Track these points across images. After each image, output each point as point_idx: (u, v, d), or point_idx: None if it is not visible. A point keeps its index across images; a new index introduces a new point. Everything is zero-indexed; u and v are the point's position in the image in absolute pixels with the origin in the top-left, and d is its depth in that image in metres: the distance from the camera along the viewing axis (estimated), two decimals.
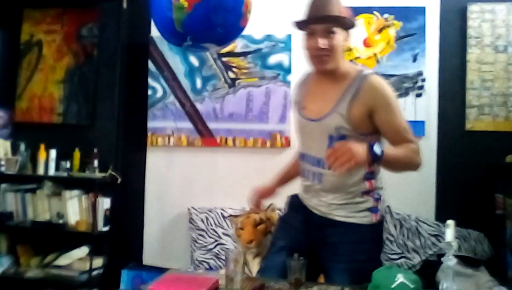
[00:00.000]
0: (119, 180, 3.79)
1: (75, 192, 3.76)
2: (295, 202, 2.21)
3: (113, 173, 3.76)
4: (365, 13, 3.62)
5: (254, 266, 2.64)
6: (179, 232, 3.79)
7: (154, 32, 3.85)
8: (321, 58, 1.96)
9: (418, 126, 3.52)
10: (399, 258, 3.31)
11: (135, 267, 3.72)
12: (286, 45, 3.69)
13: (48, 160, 3.77)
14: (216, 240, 3.56)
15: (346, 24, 1.99)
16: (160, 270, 3.01)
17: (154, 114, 3.86)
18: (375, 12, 3.62)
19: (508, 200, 3.15)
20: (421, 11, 3.57)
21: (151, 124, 3.86)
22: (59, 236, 3.77)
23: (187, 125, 3.82)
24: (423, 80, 3.55)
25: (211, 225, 3.60)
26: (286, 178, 2.41)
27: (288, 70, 3.69)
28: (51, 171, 3.77)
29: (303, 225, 2.10)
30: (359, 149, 1.74)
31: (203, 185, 3.80)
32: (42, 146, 3.78)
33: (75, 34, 4.03)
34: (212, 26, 1.74)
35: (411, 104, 3.54)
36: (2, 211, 3.80)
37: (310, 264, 1.91)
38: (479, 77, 3.51)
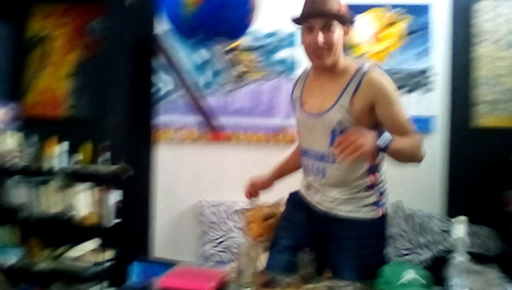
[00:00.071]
0: (131, 173, 3.80)
1: (86, 185, 3.77)
2: (296, 199, 2.20)
3: (123, 166, 3.77)
4: (375, 8, 3.61)
5: (264, 260, 2.65)
6: (189, 226, 3.81)
7: (163, 26, 3.86)
8: (319, 53, 1.96)
9: (427, 122, 3.52)
10: (410, 253, 3.31)
11: (145, 260, 3.74)
12: (292, 40, 3.69)
13: (58, 153, 3.79)
14: (226, 234, 3.58)
15: (345, 20, 1.98)
16: (170, 263, 3.03)
17: (163, 108, 3.87)
18: (384, 7, 3.60)
19: None
20: (430, 6, 3.56)
21: (160, 118, 3.88)
22: (69, 229, 3.79)
23: (195, 119, 3.83)
24: (432, 75, 3.54)
25: (222, 218, 3.61)
26: (283, 171, 2.42)
27: (295, 65, 3.68)
28: (62, 164, 3.79)
29: (307, 222, 2.10)
30: (369, 137, 1.74)
31: (212, 179, 3.81)
32: (53, 139, 3.81)
33: (83, 28, 4.04)
34: (220, 21, 1.75)
35: (420, 100, 3.53)
36: (14, 203, 3.83)
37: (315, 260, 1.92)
38: (489, 73, 3.49)
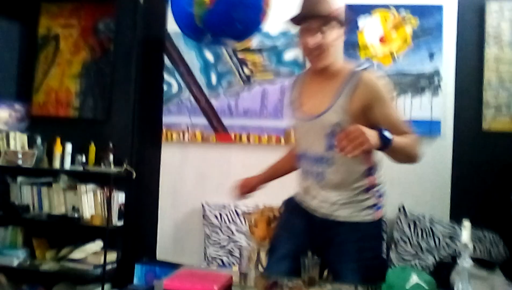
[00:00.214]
0: (134, 175, 3.81)
1: (90, 186, 3.78)
2: (293, 205, 2.19)
3: (128, 167, 3.78)
4: (382, 10, 3.60)
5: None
6: (193, 228, 3.80)
7: (170, 27, 3.87)
8: (313, 55, 1.98)
9: (434, 125, 3.50)
10: (413, 258, 3.29)
11: (148, 262, 3.74)
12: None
13: (64, 154, 3.80)
14: (229, 237, 3.57)
15: (338, 22, 1.99)
16: (173, 266, 3.03)
17: (169, 110, 3.87)
18: (392, 9, 3.59)
19: None
20: (438, 8, 3.54)
21: (166, 119, 3.87)
22: (74, 230, 3.80)
23: (202, 121, 3.83)
24: (440, 79, 3.52)
25: (225, 221, 3.60)
26: (274, 174, 2.41)
27: (303, 67, 3.67)
28: (67, 165, 3.80)
29: (305, 227, 2.09)
30: (371, 133, 1.73)
31: (217, 181, 3.80)
32: (58, 140, 3.81)
33: (91, 28, 4.05)
34: (232, 22, 1.74)
35: (427, 103, 3.51)
36: (18, 204, 3.84)
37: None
38: (497, 77, 3.47)
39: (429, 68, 3.53)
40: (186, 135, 3.85)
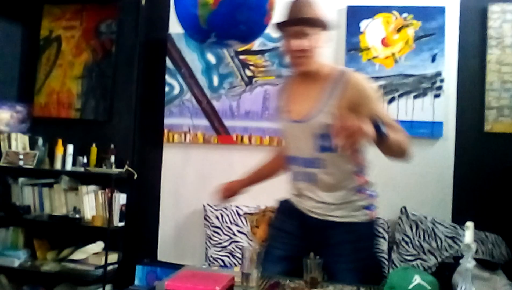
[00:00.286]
0: (135, 176, 3.81)
1: (92, 187, 3.79)
2: (287, 207, 2.19)
3: (129, 169, 3.78)
4: (383, 12, 3.60)
5: None
6: (194, 229, 3.80)
7: (172, 29, 3.87)
8: (298, 60, 2.00)
9: (436, 127, 3.49)
10: (415, 259, 3.29)
11: (149, 263, 3.73)
12: None
13: (65, 155, 3.80)
14: (230, 238, 3.57)
15: (322, 26, 2.00)
16: (175, 267, 3.03)
17: (171, 111, 3.87)
18: (394, 12, 3.59)
19: None
20: (440, 11, 3.54)
21: (167, 121, 3.87)
22: (75, 231, 3.80)
23: (204, 122, 3.83)
24: (442, 80, 3.51)
25: (226, 222, 3.60)
26: (258, 177, 2.41)
27: None
28: (68, 166, 3.80)
29: (300, 230, 2.10)
30: (367, 126, 1.73)
31: (218, 182, 3.78)
32: (60, 141, 3.82)
33: (93, 30, 4.06)
34: (236, 23, 1.74)
35: (429, 104, 3.51)
36: (20, 205, 3.84)
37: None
38: (499, 78, 3.47)
39: (431, 70, 3.52)
40: (188, 137, 3.85)
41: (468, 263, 1.58)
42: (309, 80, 2.05)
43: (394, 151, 1.91)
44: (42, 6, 4.15)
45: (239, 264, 1.84)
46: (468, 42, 3.54)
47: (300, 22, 1.95)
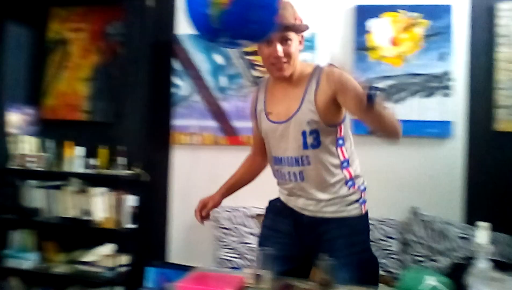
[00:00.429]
0: (148, 179, 3.82)
1: (102, 189, 3.79)
2: (279, 206, 2.19)
3: (139, 171, 3.78)
4: (392, 11, 3.58)
5: None
6: (204, 231, 3.77)
7: (179, 30, 3.88)
8: (279, 65, 1.99)
9: (446, 126, 3.48)
10: (427, 260, 3.27)
11: (160, 265, 3.71)
12: (310, 43, 3.66)
13: (75, 157, 3.81)
14: (240, 239, 3.57)
15: (300, 29, 2.01)
16: (185, 268, 3.02)
17: (179, 112, 3.87)
18: (402, 11, 3.57)
19: None
20: (449, 9, 3.52)
21: (176, 122, 3.88)
22: (85, 233, 3.81)
23: (212, 123, 3.83)
24: (451, 79, 3.50)
25: (236, 223, 3.60)
26: (233, 187, 2.38)
27: None
28: (78, 168, 3.81)
29: (292, 228, 2.11)
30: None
31: None
32: (69, 143, 3.83)
33: (101, 32, 4.07)
34: (248, 22, 1.74)
35: (438, 104, 3.50)
36: (30, 207, 3.86)
37: (302, 265, 2.01)
38: (508, 77, 3.45)
39: (440, 69, 3.51)
40: (196, 138, 3.85)
41: (482, 264, 1.57)
42: (286, 83, 2.06)
43: (385, 126, 1.83)
44: (49, 8, 4.16)
45: (249, 265, 1.83)
46: (476, 40, 3.53)
47: (287, 28, 1.95)
